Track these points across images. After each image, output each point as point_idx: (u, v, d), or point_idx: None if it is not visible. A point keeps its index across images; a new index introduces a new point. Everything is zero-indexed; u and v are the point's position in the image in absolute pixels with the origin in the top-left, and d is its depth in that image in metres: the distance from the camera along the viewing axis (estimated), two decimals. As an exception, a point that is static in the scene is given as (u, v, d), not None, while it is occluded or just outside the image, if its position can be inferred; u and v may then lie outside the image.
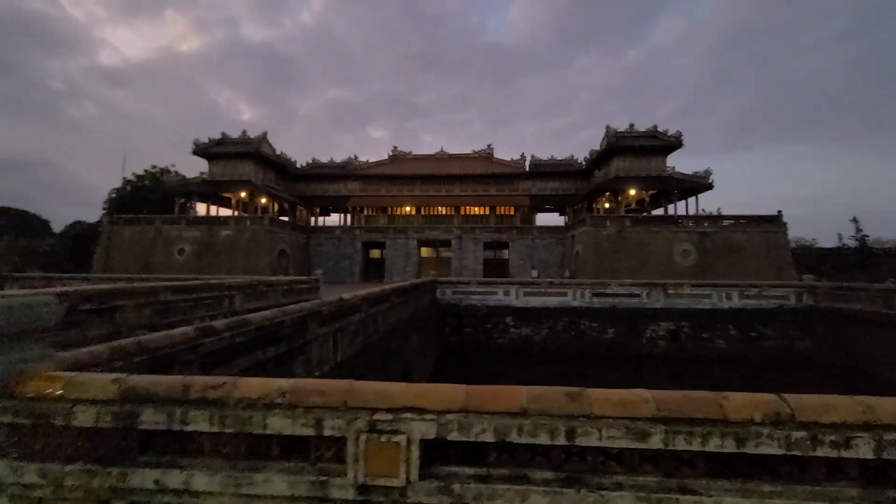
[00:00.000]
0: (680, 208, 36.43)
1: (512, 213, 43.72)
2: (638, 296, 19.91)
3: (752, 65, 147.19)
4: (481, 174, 43.43)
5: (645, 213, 37.58)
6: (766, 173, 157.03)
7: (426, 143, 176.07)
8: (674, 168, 35.41)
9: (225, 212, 40.44)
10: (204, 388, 1.66)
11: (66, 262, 42.11)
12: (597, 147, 38.66)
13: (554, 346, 19.55)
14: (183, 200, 38.99)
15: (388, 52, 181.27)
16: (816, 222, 58.81)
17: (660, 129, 35.84)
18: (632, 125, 36.23)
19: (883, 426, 1.69)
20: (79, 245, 44.90)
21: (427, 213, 43.94)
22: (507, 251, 39.69)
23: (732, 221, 31.77)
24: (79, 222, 51.06)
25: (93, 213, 47.10)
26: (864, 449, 1.67)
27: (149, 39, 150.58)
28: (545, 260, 37.56)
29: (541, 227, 40.75)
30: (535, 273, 36.29)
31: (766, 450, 1.70)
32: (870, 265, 38.47)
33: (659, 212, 38.43)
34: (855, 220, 43.78)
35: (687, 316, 19.33)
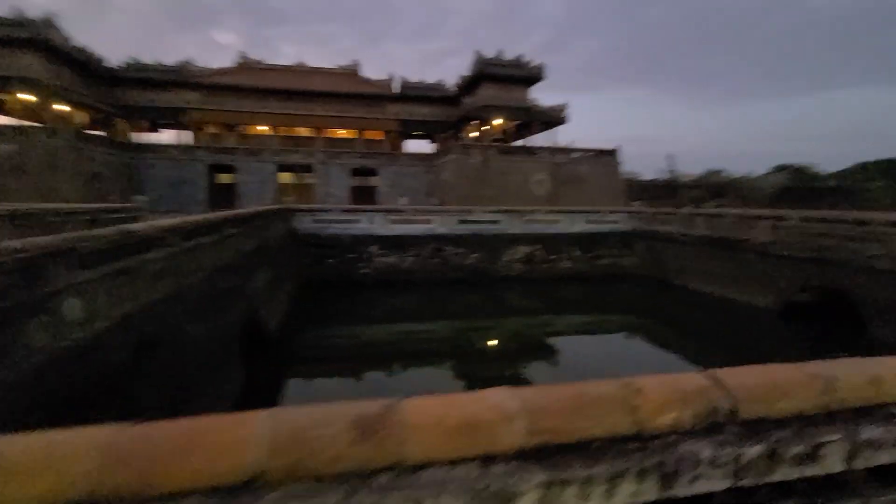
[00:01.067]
0: (538, 141, 38.58)
1: (382, 138, 41.60)
2: (498, 222, 20.80)
3: (611, 9, 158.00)
4: (347, 93, 39.84)
5: (507, 144, 39.00)
6: (613, 114, 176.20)
7: (286, 55, 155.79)
8: (535, 101, 36.82)
9: (4, 119, 30.69)
10: None
11: None
12: (467, 74, 37.99)
13: (420, 273, 19.68)
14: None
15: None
16: (650, 159, 68.63)
17: (524, 60, 36.42)
18: (500, 52, 36.08)
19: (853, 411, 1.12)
20: None
21: (287, 134, 39.38)
22: (375, 178, 38.18)
23: (580, 154, 34.79)
24: None
25: None
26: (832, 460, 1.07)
27: None
28: (414, 188, 37.13)
29: (410, 154, 39.80)
30: (403, 201, 35.79)
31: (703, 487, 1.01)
32: (677, 195, 46.53)
33: (520, 144, 40.31)
34: (669, 156, 51.94)
35: (540, 240, 20.93)
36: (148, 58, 37.89)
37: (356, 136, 40.42)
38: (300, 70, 42.48)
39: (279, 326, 12.23)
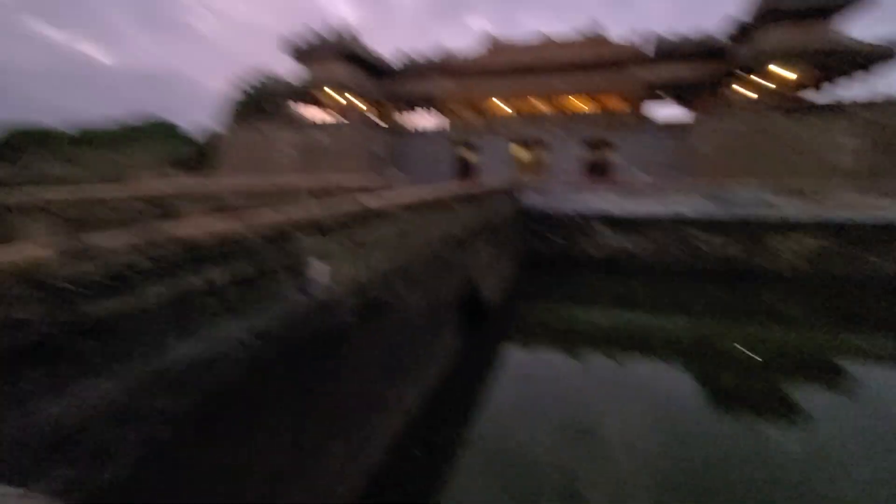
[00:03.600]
0: (846, 94, 28.01)
1: (622, 106, 37.86)
2: (772, 205, 16.21)
3: None
4: (586, 62, 37.49)
5: (794, 101, 29.71)
6: None
7: (531, 28, 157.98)
8: (846, 37, 26.59)
9: (322, 115, 41.17)
10: None
11: (198, 166, 47.64)
12: (741, 18, 30.30)
13: (656, 259, 17.27)
14: (286, 105, 40.29)
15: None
16: None
17: (841, -20, 26.50)
18: (798, -22, 27.21)
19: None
20: (206, 150, 50.21)
21: (525, 109, 40.10)
22: (611, 151, 35.22)
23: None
24: (207, 129, 56.61)
25: (215, 120, 51.60)
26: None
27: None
28: (658, 161, 32.65)
29: (655, 123, 34.93)
30: (643, 176, 31.99)
31: None
32: None
33: (816, 101, 30.12)
34: None
35: (838, 230, 15.40)
36: (414, 51, 44.20)
37: (595, 106, 37.94)
38: (542, 45, 42.17)
39: (498, 301, 12.58)
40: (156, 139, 56.79)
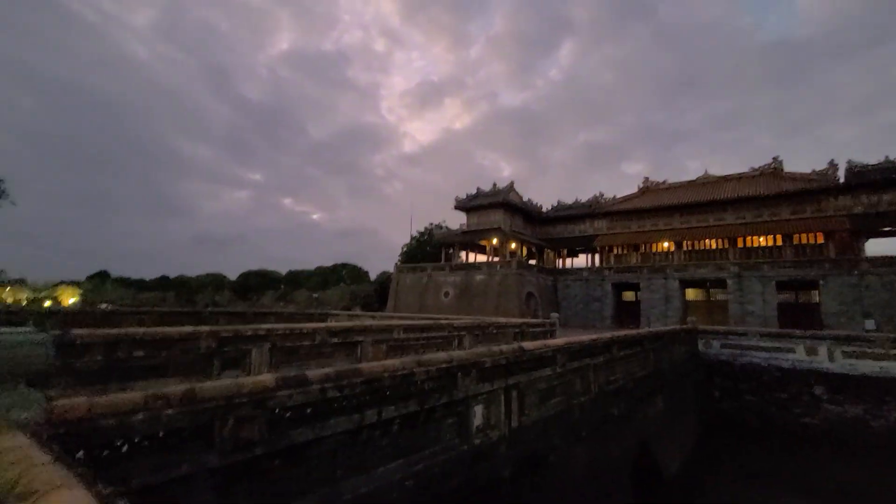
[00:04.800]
0: None
1: (821, 241, 32.36)
2: None
3: None
4: (766, 195, 34.29)
5: None
6: None
7: (691, 169, 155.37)
8: None
9: (481, 258, 44.81)
10: None
11: (376, 302, 54.76)
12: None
13: (910, 438, 12.56)
14: (449, 250, 45.35)
15: (640, 84, 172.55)
16: None
17: None
18: None
19: None
20: (383, 289, 58.03)
21: (690, 247, 37.37)
22: (815, 293, 29.36)
23: None
24: (384, 272, 66.21)
25: (393, 264, 60.70)
26: None
27: (434, 125, 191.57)
28: (885, 303, 25.77)
29: (874, 258, 28.51)
30: (869, 323, 25.29)
31: None
32: None
33: None
34: None
35: None
36: (568, 198, 46.81)
37: (781, 243, 33.28)
38: (705, 181, 40.65)
39: (678, 471, 10.34)
40: (347, 281, 68.63)
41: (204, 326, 7.35)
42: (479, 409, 4.44)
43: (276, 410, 2.59)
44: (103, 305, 46.34)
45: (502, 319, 18.04)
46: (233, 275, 76.85)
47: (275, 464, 2.54)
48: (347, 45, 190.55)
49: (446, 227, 51.87)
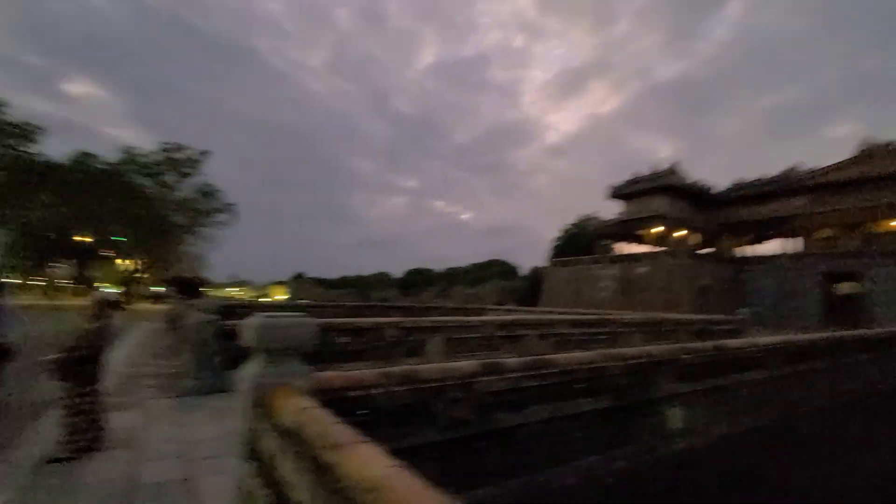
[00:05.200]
0: None
1: None
2: None
3: None
4: None
5: None
6: None
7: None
8: None
9: (641, 249, 40.97)
10: (325, 444, 1.39)
11: (528, 298, 54.72)
12: None
13: None
14: (604, 242, 42.60)
15: (846, 25, 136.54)
16: None
17: None
18: None
19: None
20: (535, 284, 57.56)
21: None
22: None
23: None
24: (535, 267, 65.66)
25: (543, 259, 59.62)
26: None
27: (578, 112, 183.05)
28: None
29: None
30: None
31: None
32: None
33: None
34: None
35: None
36: (746, 176, 39.57)
37: None
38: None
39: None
40: (498, 276, 70.08)
41: (388, 318, 8.29)
42: (677, 412, 4.02)
43: (481, 394, 2.72)
44: (303, 301, 56.19)
45: (676, 315, 16.21)
46: (395, 273, 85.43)
47: (482, 444, 2.68)
48: (487, 47, 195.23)
49: (597, 218, 48.82)
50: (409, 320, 8.11)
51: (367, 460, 1.28)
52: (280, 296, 72.36)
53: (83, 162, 37.51)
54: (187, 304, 8.71)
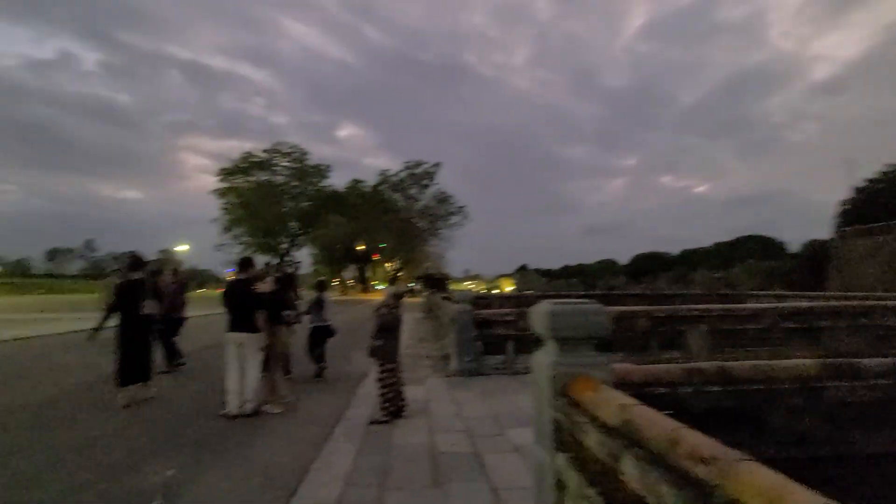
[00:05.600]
0: None
1: None
2: None
3: None
4: None
5: None
6: None
7: None
8: None
9: None
10: (690, 455, 1.17)
11: (805, 280, 42.88)
12: None
13: None
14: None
15: None
16: None
17: None
18: None
19: None
20: (814, 263, 44.55)
21: None
22: None
23: None
24: (813, 241, 50.96)
25: (824, 230, 45.55)
26: None
27: (860, 29, 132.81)
28: None
29: None
30: None
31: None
32: None
33: None
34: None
35: None
36: None
37: None
38: None
39: None
40: (751, 255, 57.08)
41: (637, 307, 7.62)
42: None
43: (830, 405, 2.08)
44: (529, 291, 58.12)
45: None
46: (622, 259, 79.65)
47: (837, 472, 2.04)
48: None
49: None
50: (661, 309, 7.27)
51: (759, 479, 1.03)
52: (508, 287, 76.85)
53: (354, 187, 48.42)
54: (441, 296, 10.03)
